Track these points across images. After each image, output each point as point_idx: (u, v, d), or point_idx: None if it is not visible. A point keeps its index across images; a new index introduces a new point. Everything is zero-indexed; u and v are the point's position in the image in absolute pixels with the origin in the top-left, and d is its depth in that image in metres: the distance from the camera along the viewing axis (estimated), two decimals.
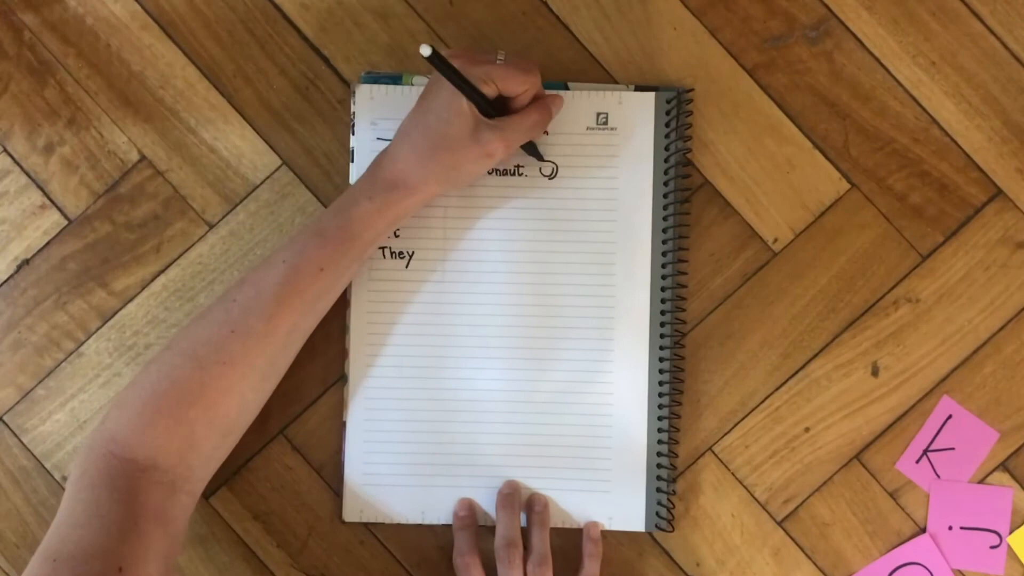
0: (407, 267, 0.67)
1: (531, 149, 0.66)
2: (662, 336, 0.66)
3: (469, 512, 0.66)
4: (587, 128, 0.67)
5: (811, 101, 0.68)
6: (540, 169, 0.67)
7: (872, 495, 0.68)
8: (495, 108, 0.60)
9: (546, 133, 0.66)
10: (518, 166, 0.67)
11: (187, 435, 0.58)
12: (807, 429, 0.68)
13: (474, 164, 0.60)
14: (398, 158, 0.60)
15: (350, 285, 0.66)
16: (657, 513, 0.66)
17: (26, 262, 0.68)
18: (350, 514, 0.67)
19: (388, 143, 0.62)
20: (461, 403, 0.67)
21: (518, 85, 0.60)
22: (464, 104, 0.58)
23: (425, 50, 0.51)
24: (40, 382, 0.67)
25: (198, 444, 0.58)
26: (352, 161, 0.67)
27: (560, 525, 0.66)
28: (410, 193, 0.60)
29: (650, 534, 0.67)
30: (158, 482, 0.57)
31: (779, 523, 0.68)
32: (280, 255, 0.60)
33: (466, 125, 0.59)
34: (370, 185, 0.60)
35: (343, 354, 0.67)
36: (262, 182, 0.68)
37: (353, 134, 0.67)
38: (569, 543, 0.67)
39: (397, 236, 0.67)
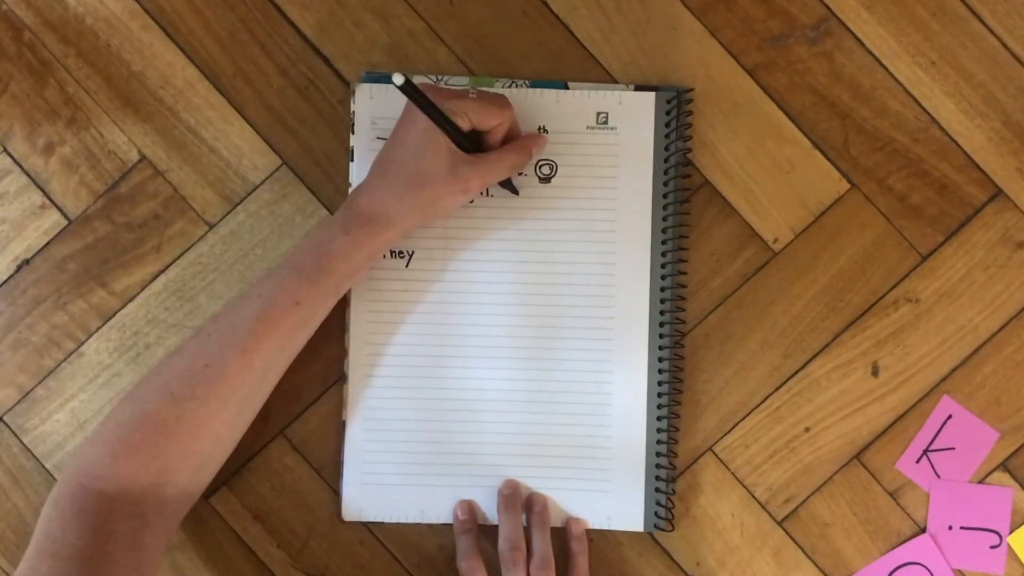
0: (407, 267, 0.67)
1: (507, 184, 0.66)
2: (662, 336, 0.66)
3: (470, 516, 0.66)
4: (587, 128, 0.67)
5: (811, 101, 0.68)
6: (539, 169, 0.67)
7: (872, 495, 0.67)
8: (470, 142, 0.60)
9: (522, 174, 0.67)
10: None
11: (160, 469, 0.57)
12: (807, 429, 0.68)
13: (452, 198, 0.60)
14: (374, 192, 0.60)
15: None
16: (656, 513, 0.66)
17: (26, 262, 0.68)
18: (350, 514, 0.67)
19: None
20: (461, 403, 0.67)
21: (491, 119, 0.60)
22: (441, 138, 0.58)
23: (398, 79, 0.50)
24: (40, 382, 0.67)
25: (172, 478, 0.58)
26: (352, 161, 0.67)
27: (559, 525, 0.66)
28: (387, 227, 0.60)
29: (650, 534, 0.67)
30: (129, 513, 0.57)
31: (779, 523, 0.68)
32: (256, 289, 0.59)
33: (443, 159, 0.58)
34: (346, 219, 0.60)
35: (343, 354, 0.67)
36: (262, 182, 0.68)
37: (353, 134, 0.67)
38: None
39: None
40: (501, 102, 0.61)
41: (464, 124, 0.59)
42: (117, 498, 0.56)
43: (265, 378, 0.61)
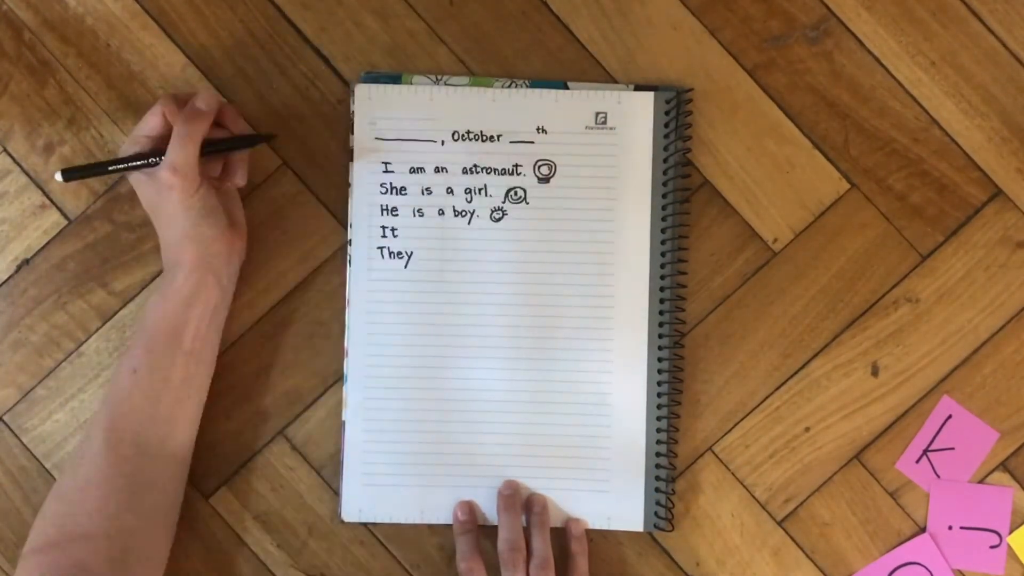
0: (406, 267, 0.67)
1: (236, 142, 0.64)
2: (661, 336, 0.66)
3: (469, 516, 0.66)
4: (586, 128, 0.67)
5: (811, 101, 0.68)
6: (539, 169, 0.67)
7: (872, 495, 0.67)
8: (161, 153, 0.60)
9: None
10: (516, 165, 0.67)
11: (71, 566, 0.58)
12: (807, 429, 0.68)
13: (168, 202, 0.61)
14: (161, 244, 0.64)
15: (349, 285, 0.66)
16: (656, 513, 0.66)
17: (26, 262, 0.68)
18: (350, 514, 0.67)
19: (386, 142, 0.66)
20: (460, 403, 0.67)
21: (153, 128, 0.61)
22: (134, 176, 0.62)
23: (58, 177, 0.61)
24: (40, 382, 0.68)
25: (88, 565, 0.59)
26: (352, 161, 0.67)
27: (559, 525, 0.66)
28: (170, 265, 0.62)
29: (650, 534, 0.67)
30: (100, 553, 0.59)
31: (779, 523, 0.68)
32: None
33: (148, 184, 0.61)
34: (159, 280, 0.64)
35: (343, 354, 0.67)
36: (262, 182, 0.68)
37: (353, 134, 0.67)
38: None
39: (396, 236, 0.67)
40: (153, 108, 0.62)
41: (142, 147, 0.61)
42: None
43: (142, 446, 0.61)
